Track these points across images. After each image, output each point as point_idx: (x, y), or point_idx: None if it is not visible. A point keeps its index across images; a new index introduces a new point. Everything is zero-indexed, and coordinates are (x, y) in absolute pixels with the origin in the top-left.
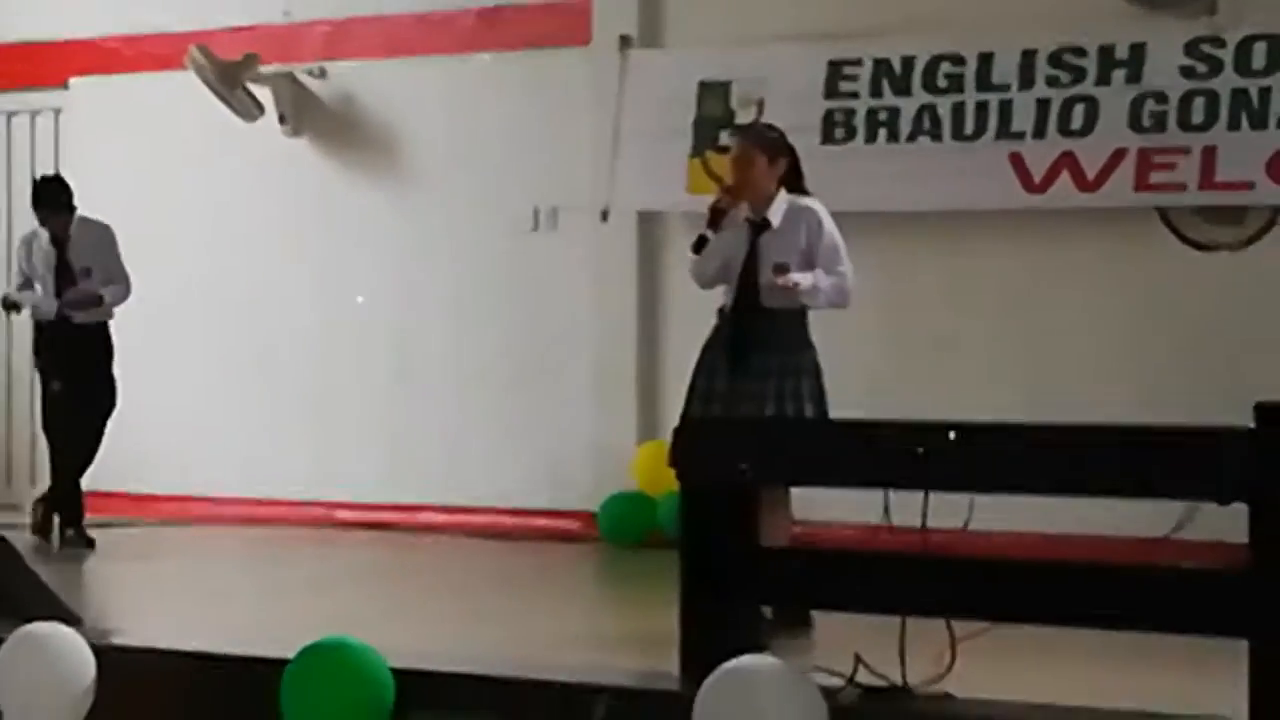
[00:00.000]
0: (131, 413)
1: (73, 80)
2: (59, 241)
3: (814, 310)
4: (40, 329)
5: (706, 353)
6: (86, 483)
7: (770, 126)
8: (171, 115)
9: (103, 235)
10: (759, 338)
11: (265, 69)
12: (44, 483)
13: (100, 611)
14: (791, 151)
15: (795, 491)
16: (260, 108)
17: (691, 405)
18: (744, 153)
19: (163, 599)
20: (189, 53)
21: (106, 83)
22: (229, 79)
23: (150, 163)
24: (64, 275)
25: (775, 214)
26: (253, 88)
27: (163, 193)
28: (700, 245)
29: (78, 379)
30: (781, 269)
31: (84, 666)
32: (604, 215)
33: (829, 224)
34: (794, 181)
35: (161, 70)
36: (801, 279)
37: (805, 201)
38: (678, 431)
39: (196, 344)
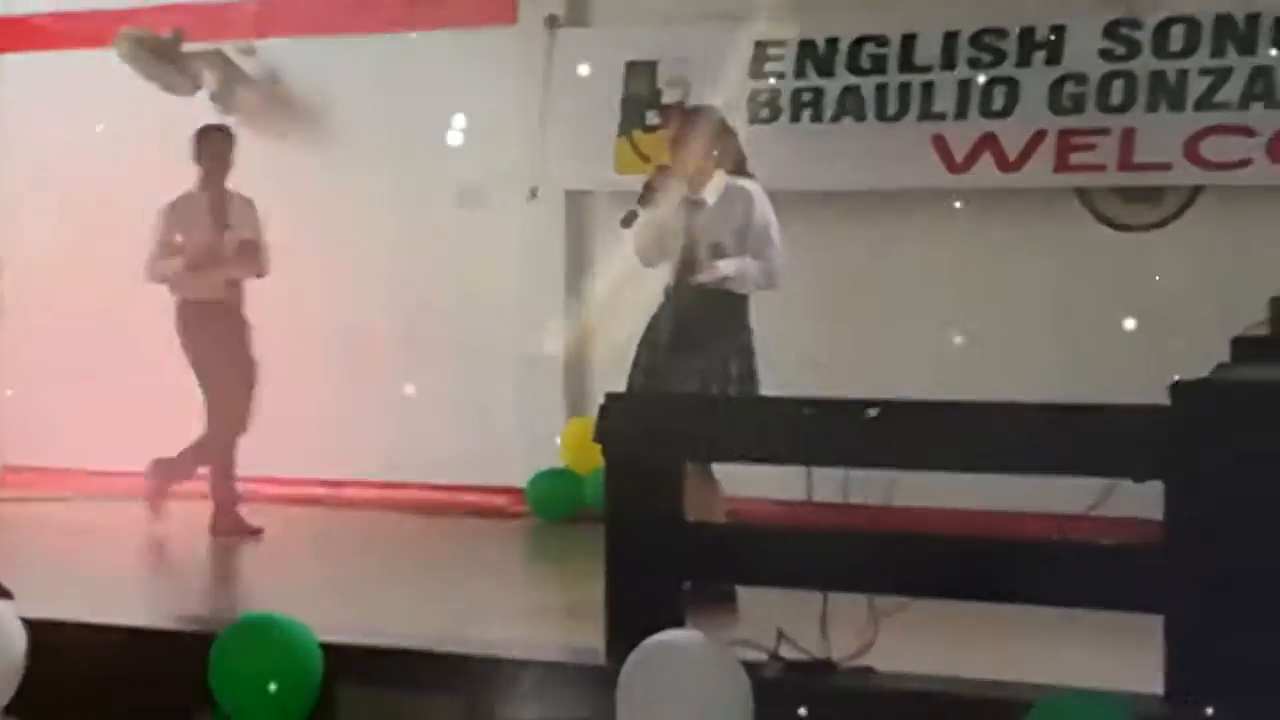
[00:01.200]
0: (63, 387)
1: (3, 57)
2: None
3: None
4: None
5: (649, 329)
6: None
7: (710, 107)
8: (103, 93)
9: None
10: (694, 316)
11: (196, 46)
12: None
13: (31, 585)
14: (731, 133)
15: (721, 468)
16: (197, 81)
17: (632, 379)
18: (680, 132)
19: (93, 573)
20: (118, 37)
21: (38, 59)
22: (165, 53)
23: (82, 139)
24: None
25: (711, 194)
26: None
27: (95, 169)
28: (629, 220)
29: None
30: (717, 250)
31: (15, 640)
32: (532, 193)
33: (761, 207)
34: (734, 163)
35: (94, 47)
36: (725, 266)
37: (742, 183)
38: (603, 407)
39: (127, 320)
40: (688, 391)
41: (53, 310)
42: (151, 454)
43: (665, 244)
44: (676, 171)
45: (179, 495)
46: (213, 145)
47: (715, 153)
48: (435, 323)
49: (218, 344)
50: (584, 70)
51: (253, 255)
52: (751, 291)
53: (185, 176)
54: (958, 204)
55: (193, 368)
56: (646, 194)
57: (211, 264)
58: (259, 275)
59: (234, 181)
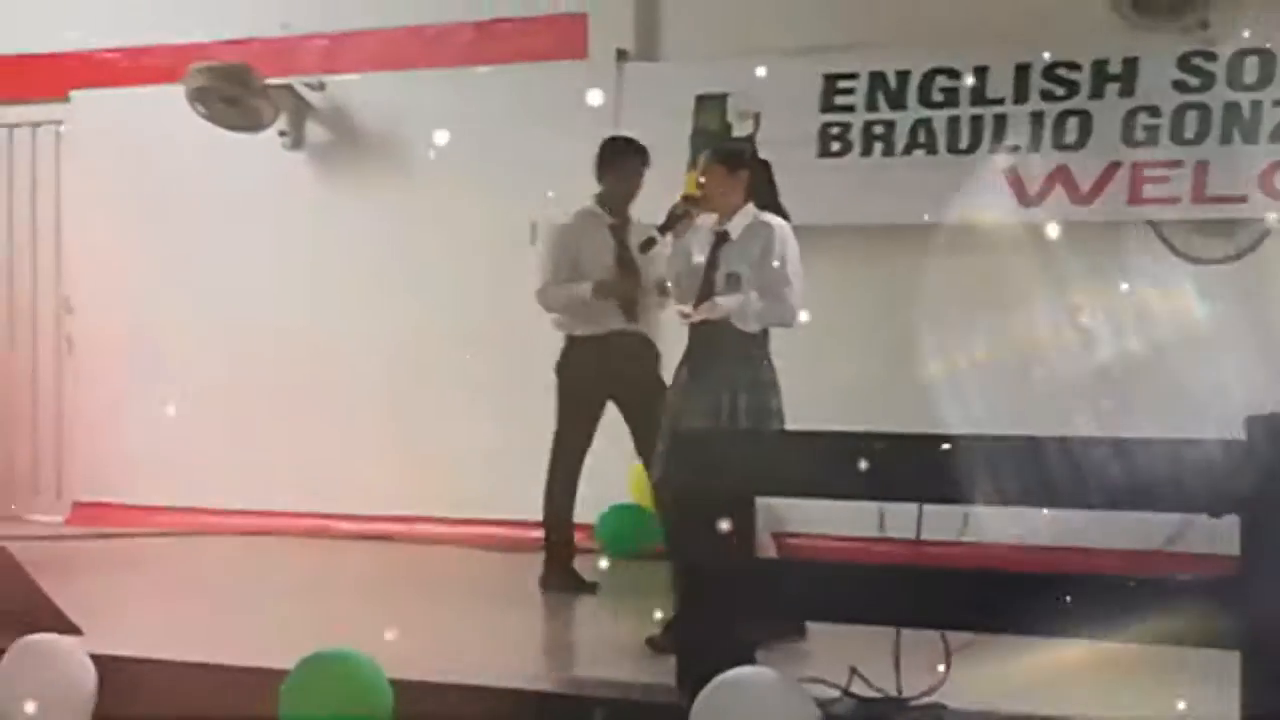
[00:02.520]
0: (131, 424)
1: (74, 93)
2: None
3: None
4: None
5: (678, 365)
6: (90, 493)
7: (742, 139)
8: (172, 128)
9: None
10: (710, 349)
11: (255, 88)
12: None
13: (101, 622)
14: (759, 165)
15: (791, 503)
16: (266, 117)
17: (665, 418)
18: (704, 163)
19: (162, 610)
20: (190, 73)
21: (107, 95)
22: (235, 89)
23: (150, 176)
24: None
25: (736, 228)
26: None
27: (164, 205)
28: (648, 246)
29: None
30: (732, 281)
31: (85, 677)
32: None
33: (780, 243)
34: (764, 197)
35: (162, 83)
36: (723, 303)
37: (767, 218)
38: (671, 444)
39: (194, 356)
40: (701, 427)
41: (121, 346)
42: (220, 489)
43: (693, 276)
44: (703, 203)
45: (258, 530)
46: (623, 161)
47: (736, 183)
48: (506, 358)
49: (616, 384)
50: (654, 104)
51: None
52: (755, 328)
53: (253, 210)
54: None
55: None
56: (670, 221)
57: (615, 292)
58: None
59: (302, 211)
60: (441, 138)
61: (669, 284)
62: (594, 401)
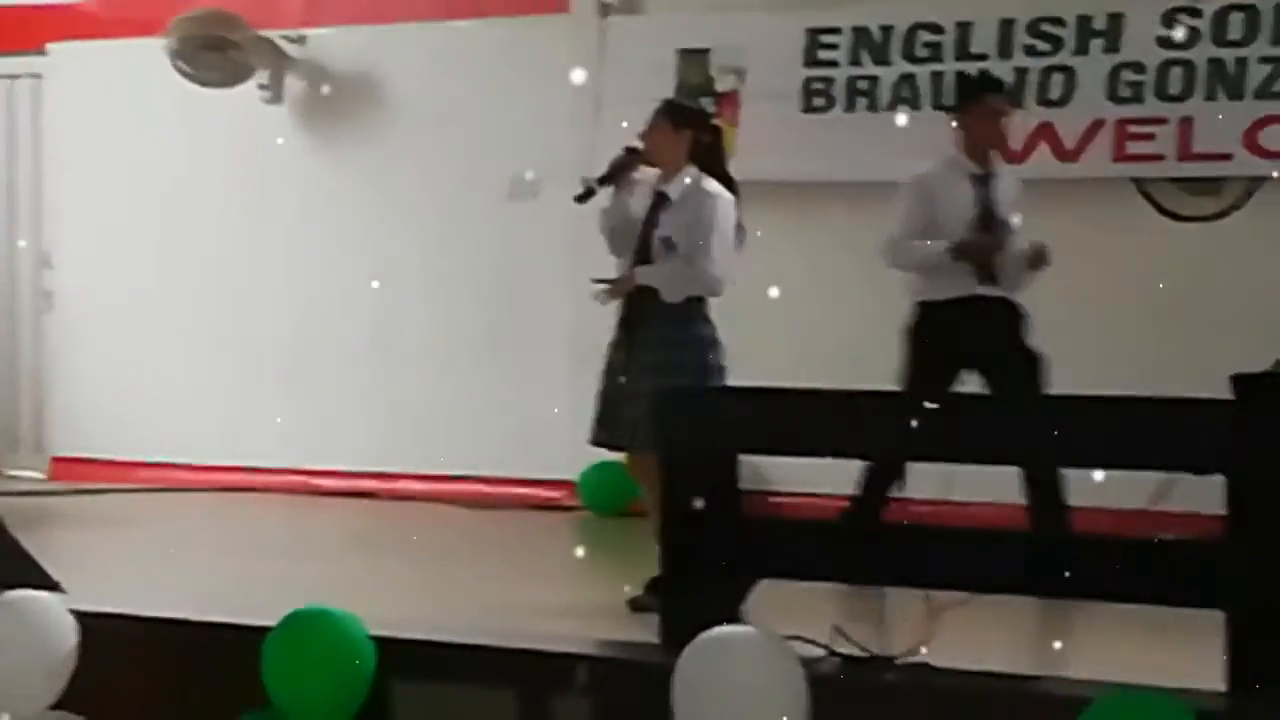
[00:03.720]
0: (111, 379)
1: (51, 46)
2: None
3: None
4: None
5: (617, 327)
6: (70, 448)
7: (691, 100)
8: (151, 81)
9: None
10: (644, 310)
11: (241, 36)
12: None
13: (81, 578)
14: (707, 128)
15: (775, 461)
16: (246, 71)
17: (602, 379)
18: (651, 118)
19: (143, 566)
20: (171, 25)
21: (85, 48)
22: (217, 41)
23: (130, 129)
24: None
25: (676, 188)
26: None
27: (143, 159)
28: (585, 196)
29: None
30: (666, 244)
31: (65, 633)
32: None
33: (710, 211)
34: (710, 161)
35: (141, 36)
36: (642, 274)
37: (708, 184)
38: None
39: (175, 311)
40: (640, 387)
41: (100, 302)
42: (201, 444)
43: (629, 233)
44: (646, 157)
45: (239, 486)
46: (984, 99)
47: (679, 141)
48: (486, 315)
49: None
50: (637, 58)
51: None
52: (675, 298)
53: (233, 165)
54: None
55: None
56: (610, 173)
57: (975, 254)
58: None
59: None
60: (422, 91)
61: (604, 235)
62: (946, 374)
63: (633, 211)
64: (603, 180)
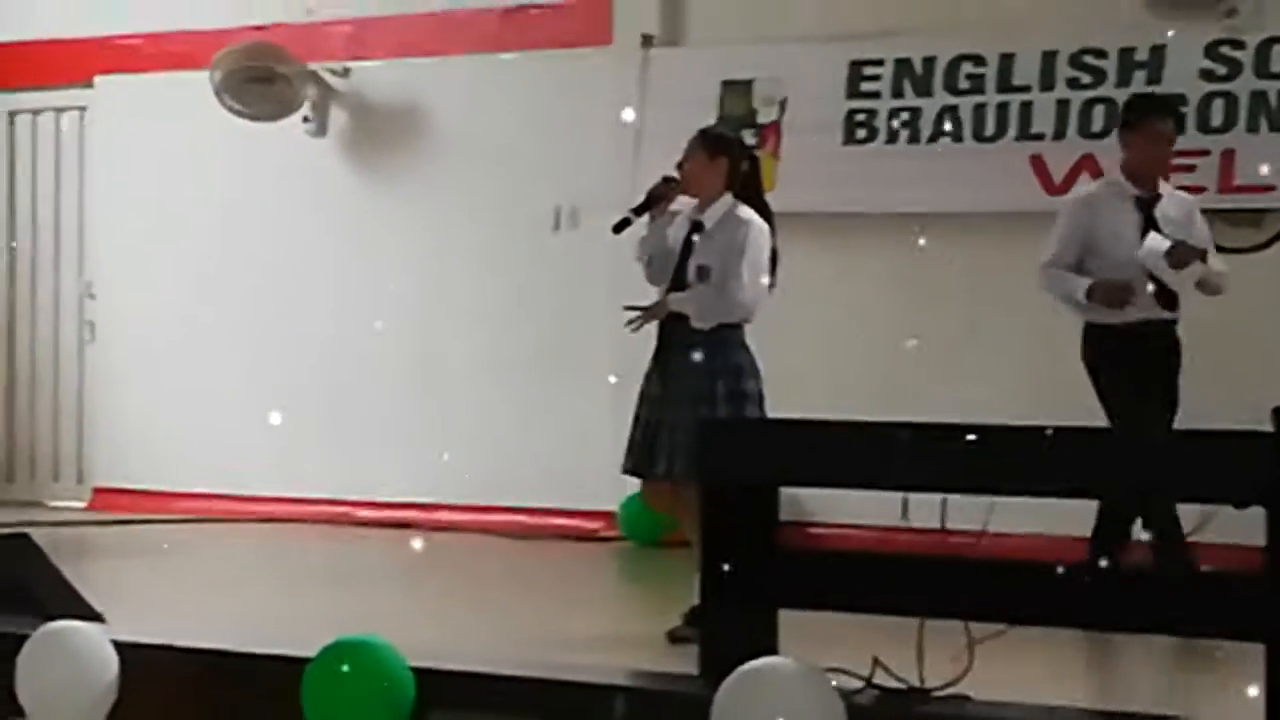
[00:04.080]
0: (152, 410)
1: (97, 78)
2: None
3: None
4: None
5: (654, 356)
6: (111, 479)
7: (727, 129)
8: (196, 114)
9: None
10: (680, 338)
11: (287, 69)
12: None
13: (122, 608)
14: (743, 156)
15: (813, 493)
16: (292, 103)
17: (637, 408)
18: (688, 148)
19: (184, 596)
20: (218, 59)
21: (131, 81)
22: (262, 73)
23: (174, 161)
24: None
25: (711, 218)
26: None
27: (187, 191)
28: (621, 227)
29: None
30: (701, 273)
31: (106, 664)
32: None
33: (744, 237)
34: (747, 189)
35: (186, 69)
36: (674, 301)
37: (743, 211)
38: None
39: (219, 342)
40: (675, 417)
41: (142, 333)
42: (242, 475)
43: (666, 261)
44: (683, 187)
45: (279, 517)
46: (1150, 121)
47: (716, 170)
48: (527, 346)
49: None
50: (679, 90)
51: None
52: (707, 322)
53: (277, 197)
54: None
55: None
56: (647, 202)
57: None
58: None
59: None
60: (465, 123)
61: (642, 264)
62: (1140, 392)
63: (670, 240)
64: (639, 210)
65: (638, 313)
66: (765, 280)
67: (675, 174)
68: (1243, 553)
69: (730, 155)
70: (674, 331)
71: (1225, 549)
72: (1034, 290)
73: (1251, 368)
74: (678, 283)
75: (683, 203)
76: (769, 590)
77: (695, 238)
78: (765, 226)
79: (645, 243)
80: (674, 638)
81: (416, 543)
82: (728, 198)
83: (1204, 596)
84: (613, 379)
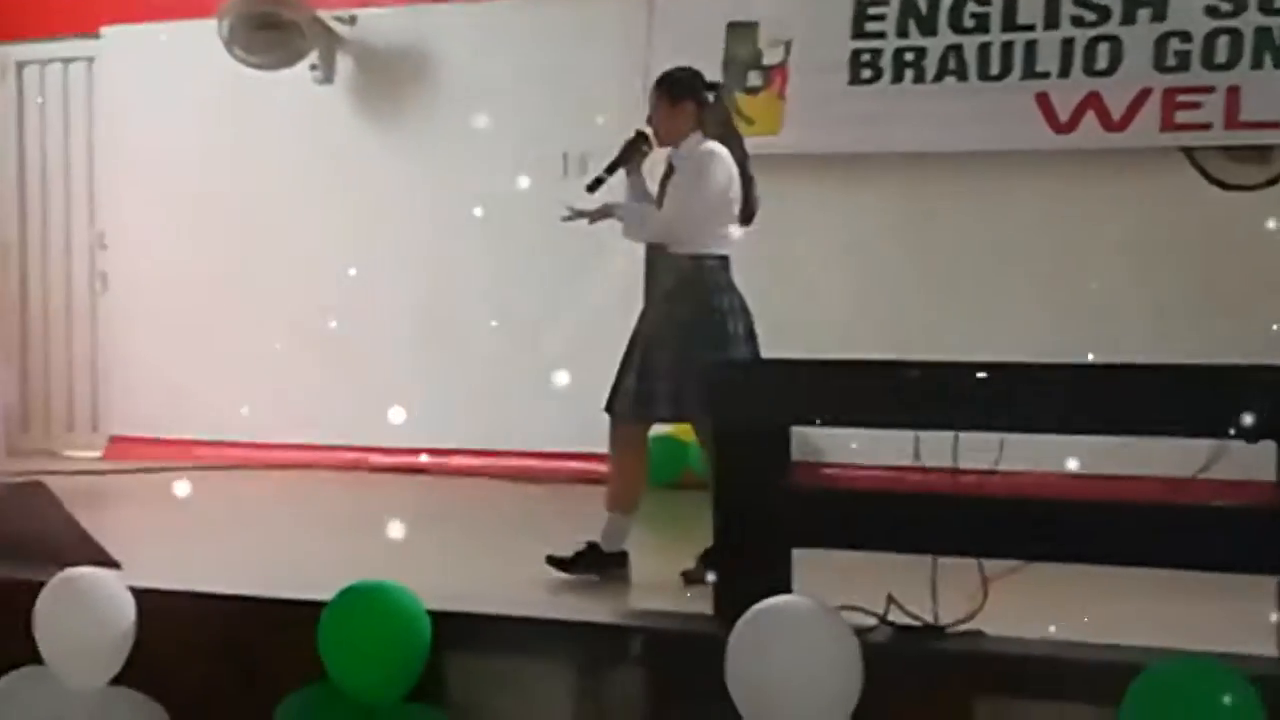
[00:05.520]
0: (166, 359)
1: (104, 29)
2: None
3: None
4: None
5: (645, 299)
6: (126, 428)
7: (685, 69)
8: (203, 63)
9: None
10: (661, 281)
11: (294, 15)
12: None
13: (139, 556)
14: (706, 90)
15: (826, 432)
16: (299, 52)
17: (632, 351)
18: (650, 99)
19: (200, 543)
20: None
21: (138, 31)
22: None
23: (183, 111)
24: None
25: (680, 155)
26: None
27: (196, 140)
28: (595, 185)
29: None
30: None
31: (124, 610)
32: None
33: (698, 164)
34: (714, 123)
35: (193, 18)
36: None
37: (707, 145)
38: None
39: (231, 291)
40: (661, 359)
41: (155, 282)
42: (255, 423)
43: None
44: (655, 140)
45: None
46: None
47: (681, 113)
48: (537, 291)
49: None
50: (685, 33)
51: None
52: (638, 239)
53: (285, 145)
54: None
55: None
56: (620, 158)
57: None
58: None
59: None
60: (472, 70)
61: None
62: None
63: (650, 191)
64: (611, 167)
65: (574, 212)
66: (717, 210)
67: (646, 128)
68: (1254, 488)
69: (692, 96)
70: (657, 273)
71: (1236, 485)
72: (1041, 228)
73: (1261, 303)
74: None
75: (661, 153)
76: (783, 530)
77: (668, 180)
78: (724, 156)
79: (628, 199)
80: (689, 579)
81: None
82: (697, 135)
83: (1218, 530)
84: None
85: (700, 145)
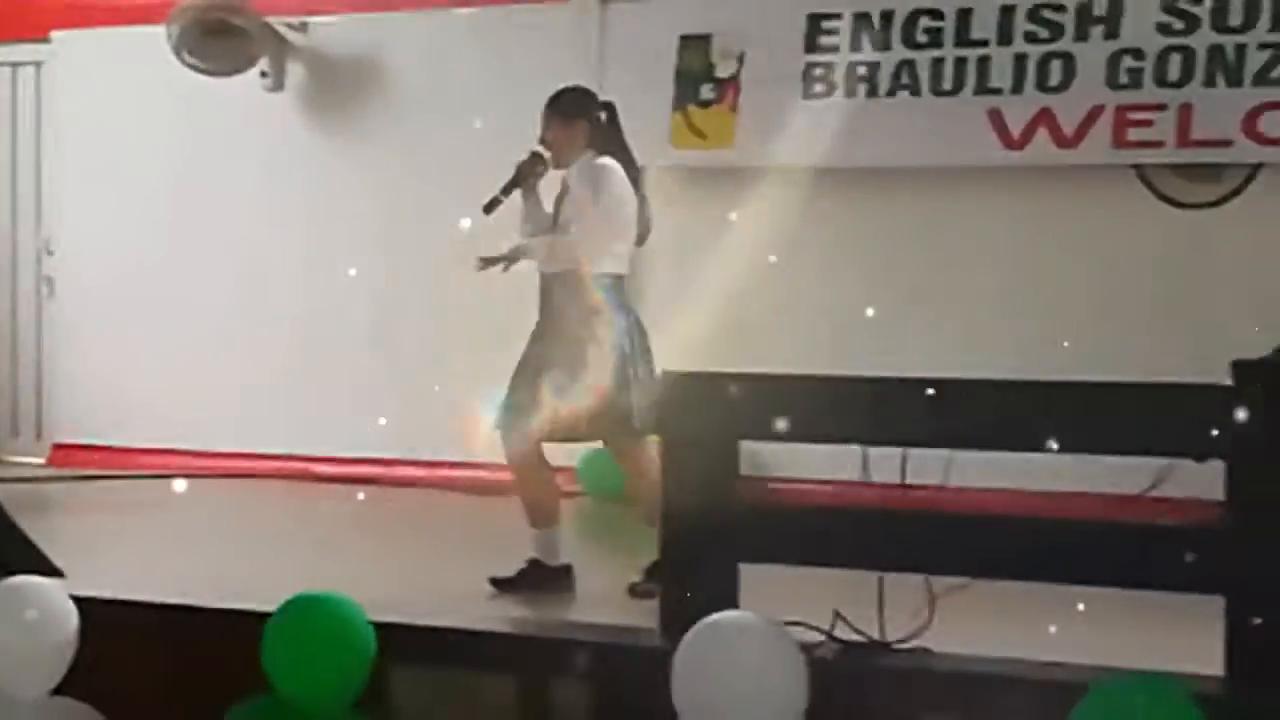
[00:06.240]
0: (112, 366)
1: (54, 33)
2: None
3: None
4: None
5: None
6: (70, 435)
7: (575, 89)
8: (153, 68)
9: None
10: (555, 299)
11: (244, 21)
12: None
13: (82, 564)
14: (599, 111)
15: (774, 448)
16: (249, 58)
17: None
18: (543, 119)
19: (144, 551)
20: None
21: (88, 35)
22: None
23: (132, 116)
24: None
25: (573, 174)
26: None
27: (145, 146)
28: (490, 207)
29: None
30: (564, 229)
31: (66, 619)
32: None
33: (592, 180)
34: (607, 142)
35: (143, 24)
36: (517, 249)
37: (600, 160)
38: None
39: (177, 298)
40: (547, 382)
41: (101, 288)
42: (202, 431)
43: (543, 230)
44: (551, 157)
45: (240, 473)
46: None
47: (574, 133)
48: (487, 301)
49: None
50: (638, 45)
51: None
52: (555, 269)
53: (235, 152)
54: None
55: None
56: (514, 179)
57: None
58: None
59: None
60: (423, 79)
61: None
62: None
63: (546, 212)
64: (507, 189)
65: (487, 260)
66: (619, 227)
67: (541, 149)
68: (1201, 507)
69: (585, 115)
70: (552, 295)
71: (1183, 503)
72: (992, 243)
73: (1210, 322)
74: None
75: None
76: (730, 545)
77: (563, 199)
78: (617, 170)
79: (524, 220)
80: (635, 592)
81: (360, 497)
82: (590, 154)
83: (1164, 549)
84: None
85: (592, 161)
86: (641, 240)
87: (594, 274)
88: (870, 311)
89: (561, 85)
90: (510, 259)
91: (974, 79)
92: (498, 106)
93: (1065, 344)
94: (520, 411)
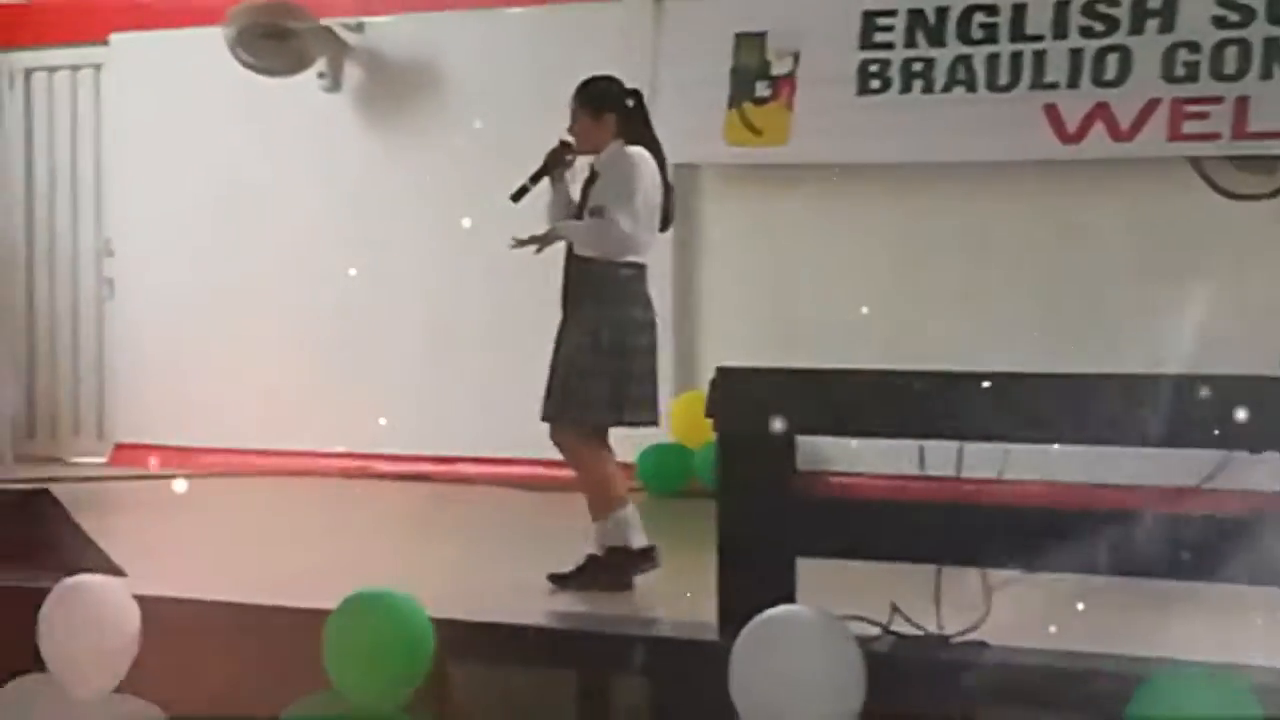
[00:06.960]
0: (172, 366)
1: (113, 36)
2: None
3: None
4: None
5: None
6: (132, 435)
7: (603, 78)
8: (211, 70)
9: None
10: (579, 290)
11: (301, 24)
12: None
13: (143, 563)
14: (626, 97)
15: (830, 441)
16: (305, 60)
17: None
18: (571, 109)
19: (205, 550)
20: (231, 16)
21: (147, 38)
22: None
23: (190, 118)
24: None
25: (602, 162)
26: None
27: (203, 147)
28: (519, 195)
29: None
30: (595, 214)
31: (128, 618)
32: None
33: (627, 170)
34: (635, 131)
35: (201, 25)
36: (557, 230)
37: (629, 150)
38: (714, 381)
39: (237, 298)
40: (577, 372)
41: (161, 289)
42: (262, 430)
43: (569, 217)
44: (578, 147)
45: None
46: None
47: (603, 125)
48: (544, 297)
49: None
50: (693, 42)
51: None
52: (595, 253)
53: (293, 152)
54: None
55: None
56: (543, 168)
57: None
58: None
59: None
60: (479, 78)
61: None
62: None
63: (574, 200)
64: (535, 177)
65: (522, 240)
66: (653, 217)
67: (569, 137)
68: (1259, 499)
69: (614, 105)
70: (576, 281)
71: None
72: (1049, 237)
73: (1267, 313)
74: None
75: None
76: (786, 539)
77: (590, 186)
78: (650, 161)
79: (551, 207)
80: (553, 579)
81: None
82: (619, 143)
83: (1222, 541)
84: None
85: (621, 150)
86: (665, 227)
87: (621, 262)
88: (923, 306)
89: (591, 76)
90: (545, 241)
91: (1030, 74)
92: (553, 105)
93: (1123, 336)
94: (561, 398)
